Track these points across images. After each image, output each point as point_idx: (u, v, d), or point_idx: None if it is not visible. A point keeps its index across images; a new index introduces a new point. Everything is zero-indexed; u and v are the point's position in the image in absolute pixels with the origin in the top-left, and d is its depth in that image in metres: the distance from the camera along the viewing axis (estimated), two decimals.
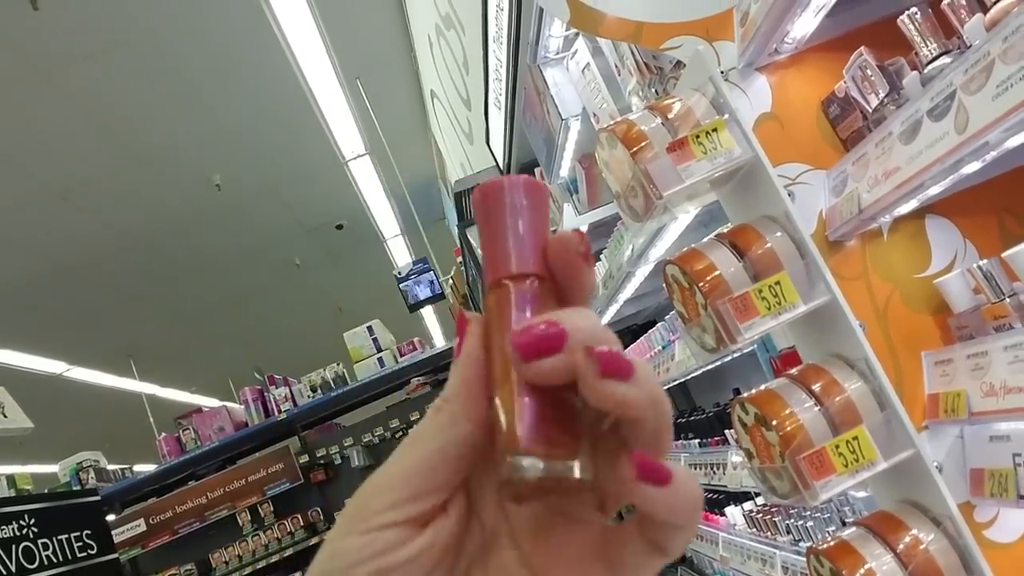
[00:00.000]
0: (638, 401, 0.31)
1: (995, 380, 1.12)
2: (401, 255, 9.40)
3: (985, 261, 1.20)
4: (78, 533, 4.10)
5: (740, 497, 2.58)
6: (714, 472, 2.40)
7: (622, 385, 0.30)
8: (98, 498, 4.41)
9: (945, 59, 1.18)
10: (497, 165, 4.08)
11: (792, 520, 2.09)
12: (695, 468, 2.59)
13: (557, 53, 2.79)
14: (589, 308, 0.35)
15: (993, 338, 1.14)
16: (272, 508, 5.96)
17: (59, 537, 3.98)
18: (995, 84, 0.98)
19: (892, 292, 1.35)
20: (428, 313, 10.12)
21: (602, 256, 2.94)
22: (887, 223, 1.38)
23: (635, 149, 1.34)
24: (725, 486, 2.30)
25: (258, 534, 5.79)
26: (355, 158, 7.78)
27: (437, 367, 6.27)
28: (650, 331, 2.72)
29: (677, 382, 2.82)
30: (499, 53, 3.22)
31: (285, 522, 5.83)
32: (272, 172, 7.45)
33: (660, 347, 2.62)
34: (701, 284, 1.27)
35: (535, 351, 0.30)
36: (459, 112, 5.86)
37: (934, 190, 1.19)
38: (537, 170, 3.60)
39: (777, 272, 1.26)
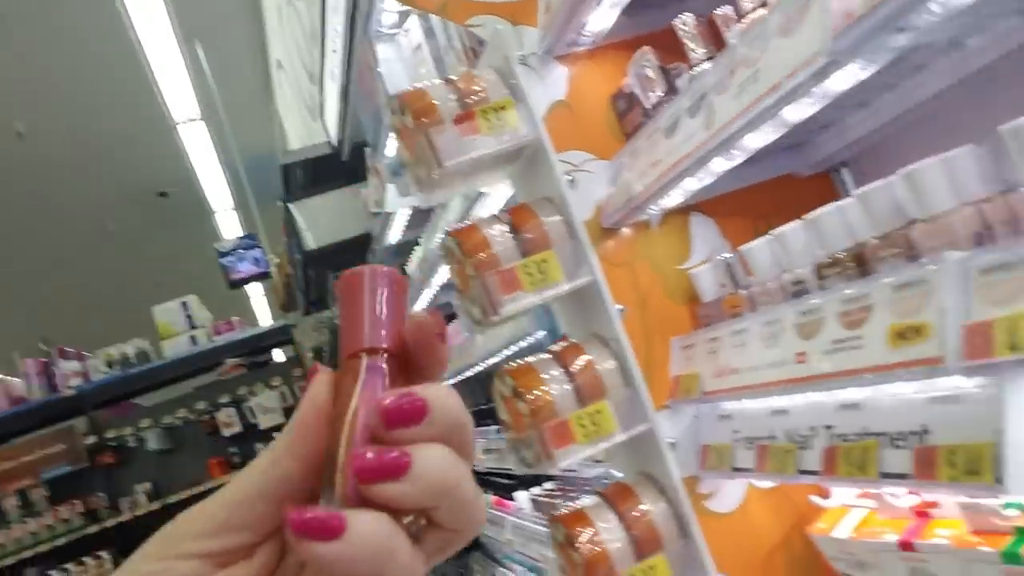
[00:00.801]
0: (408, 499, 0.31)
1: (722, 362, 1.22)
2: (235, 232, 8.87)
3: (728, 255, 1.30)
4: None
5: (530, 482, 2.67)
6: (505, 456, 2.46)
7: (394, 485, 0.31)
8: None
9: (708, 63, 1.27)
10: (329, 141, 3.95)
11: (571, 502, 2.17)
12: (491, 453, 2.63)
13: (391, 28, 2.74)
14: (442, 382, 0.36)
15: (726, 324, 1.24)
16: (48, 492, 5.36)
17: None
18: (736, 84, 1.06)
19: (655, 280, 1.43)
20: (257, 295, 9.62)
21: (419, 241, 2.93)
22: (657, 216, 1.46)
23: (423, 118, 1.32)
24: (511, 470, 2.36)
25: (26, 521, 5.19)
26: (186, 122, 7.26)
27: (256, 348, 5.97)
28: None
29: (480, 368, 2.86)
30: (336, 22, 3.12)
31: (61, 508, 5.26)
32: (88, 126, 6.77)
33: (467, 333, 2.65)
34: (472, 256, 1.28)
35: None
36: (304, 85, 5.63)
37: (691, 183, 1.27)
38: (368, 149, 3.52)
39: (546, 251, 1.30)
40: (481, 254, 1.28)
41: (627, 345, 1.30)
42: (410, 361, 0.36)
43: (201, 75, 6.66)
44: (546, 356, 1.31)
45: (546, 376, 1.26)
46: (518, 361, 1.31)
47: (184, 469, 5.63)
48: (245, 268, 5.88)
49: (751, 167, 1.58)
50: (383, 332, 0.35)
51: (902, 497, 1.08)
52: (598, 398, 1.25)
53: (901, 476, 0.92)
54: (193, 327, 5.97)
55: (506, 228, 1.32)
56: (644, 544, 1.21)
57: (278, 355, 6.98)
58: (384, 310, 0.35)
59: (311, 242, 3.89)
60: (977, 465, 0.82)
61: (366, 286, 0.36)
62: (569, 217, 1.35)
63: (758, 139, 1.12)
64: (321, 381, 0.35)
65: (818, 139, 1.53)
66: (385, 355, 0.35)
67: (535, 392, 1.23)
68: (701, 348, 1.30)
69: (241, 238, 6.10)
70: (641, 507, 1.24)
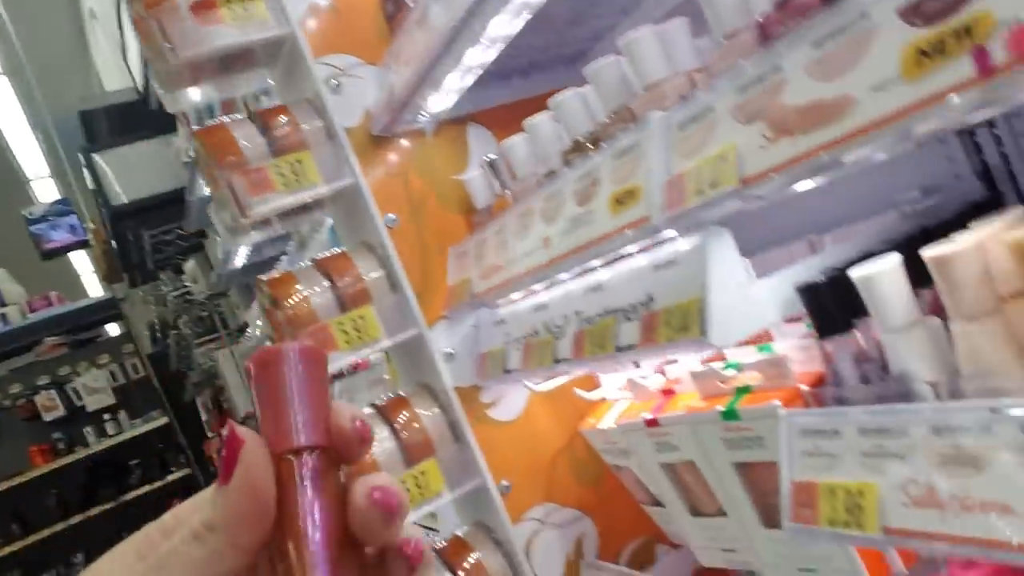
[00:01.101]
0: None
1: (488, 263, 1.19)
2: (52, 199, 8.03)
3: (493, 156, 1.27)
4: None
5: None
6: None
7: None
8: None
9: None
10: (135, 87, 3.61)
11: None
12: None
13: None
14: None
15: (491, 226, 1.22)
16: None
17: None
18: None
19: (429, 190, 1.38)
20: (88, 269, 8.81)
21: None
22: (431, 125, 1.41)
23: (155, 4, 1.19)
24: None
25: None
26: None
27: (79, 325, 5.46)
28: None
29: None
30: None
31: None
32: None
33: None
34: (219, 159, 1.17)
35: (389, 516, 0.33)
36: (118, 35, 5.12)
37: (453, 80, 1.22)
38: None
39: (302, 152, 1.22)
40: (228, 156, 1.18)
41: (393, 252, 1.25)
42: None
43: (2, 26, 5.91)
44: (308, 265, 1.24)
45: (304, 285, 1.19)
46: (276, 272, 1.22)
47: (1, 459, 5.11)
48: (60, 237, 5.33)
49: (529, 80, 1.56)
50: (315, 426, 0.34)
51: (650, 377, 1.10)
52: (362, 304, 1.19)
53: (631, 347, 0.92)
54: (3, 304, 5.37)
55: (257, 129, 1.23)
56: (415, 450, 1.17)
57: (114, 331, 6.44)
58: (310, 401, 0.34)
59: (121, 196, 3.55)
60: (687, 321, 0.83)
61: (287, 373, 0.34)
62: (328, 120, 1.27)
63: (503, 25, 1.08)
64: (257, 456, 0.32)
65: (594, 50, 1.53)
66: (319, 452, 0.33)
67: (293, 300, 1.15)
68: (472, 253, 1.27)
69: (54, 203, 5.52)
70: (413, 415, 1.20)
